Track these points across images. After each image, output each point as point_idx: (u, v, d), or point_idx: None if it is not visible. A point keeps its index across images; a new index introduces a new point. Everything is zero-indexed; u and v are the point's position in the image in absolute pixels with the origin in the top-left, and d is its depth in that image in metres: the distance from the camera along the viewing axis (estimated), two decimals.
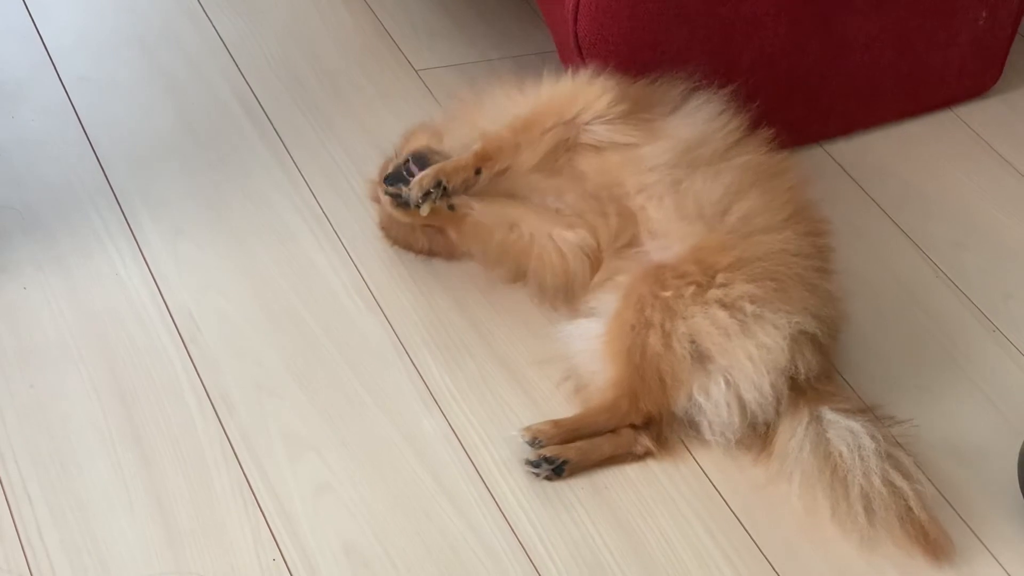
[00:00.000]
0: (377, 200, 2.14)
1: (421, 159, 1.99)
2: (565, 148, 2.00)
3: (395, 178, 1.98)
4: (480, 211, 1.98)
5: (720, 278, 1.86)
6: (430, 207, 1.95)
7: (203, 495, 1.76)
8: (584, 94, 2.00)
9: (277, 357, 1.95)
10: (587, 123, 1.99)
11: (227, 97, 2.36)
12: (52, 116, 2.28)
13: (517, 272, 2.04)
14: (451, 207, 1.98)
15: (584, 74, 2.03)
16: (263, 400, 1.89)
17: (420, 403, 1.91)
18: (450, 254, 2.09)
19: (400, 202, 1.97)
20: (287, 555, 1.71)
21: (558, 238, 1.97)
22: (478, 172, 1.98)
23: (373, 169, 2.13)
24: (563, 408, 1.91)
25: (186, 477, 1.78)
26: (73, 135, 2.25)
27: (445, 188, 1.95)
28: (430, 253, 2.10)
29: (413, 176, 1.96)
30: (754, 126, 2.03)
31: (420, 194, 1.94)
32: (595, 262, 1.98)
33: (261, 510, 1.75)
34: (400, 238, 2.10)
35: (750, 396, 1.84)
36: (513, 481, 1.83)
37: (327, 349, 1.97)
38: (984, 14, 2.42)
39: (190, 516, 1.74)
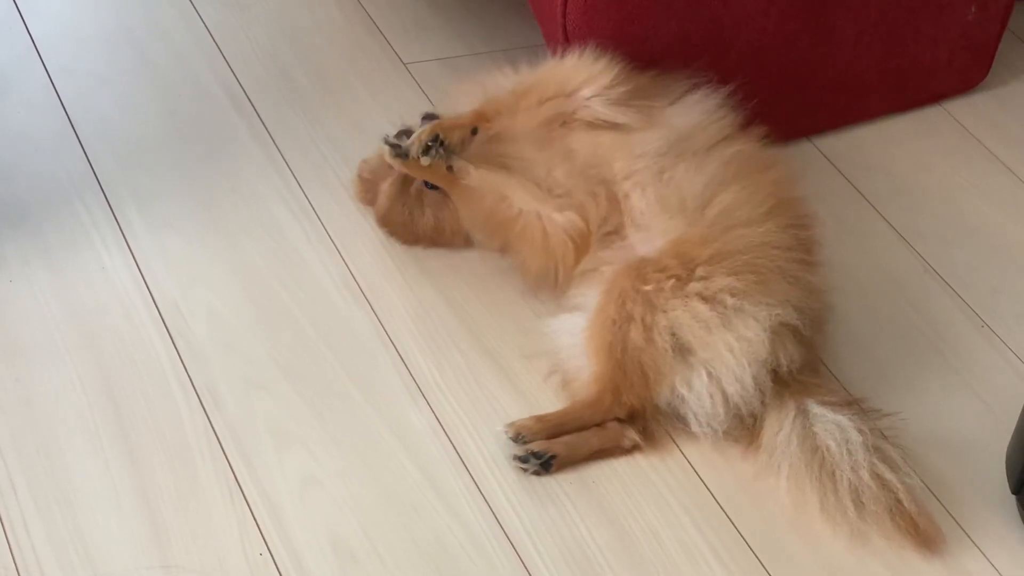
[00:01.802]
0: (366, 202, 2.13)
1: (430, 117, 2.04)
2: (560, 121, 2.00)
3: (397, 136, 2.02)
4: (476, 176, 1.98)
5: (700, 271, 1.86)
6: (431, 160, 1.97)
7: (190, 489, 1.76)
8: (588, 70, 2.02)
9: (264, 351, 1.94)
10: (587, 98, 1.99)
11: (215, 90, 2.36)
12: (38, 108, 2.27)
13: (504, 244, 2.03)
14: (449, 168, 1.98)
15: (590, 53, 2.04)
16: (250, 394, 1.88)
17: (408, 397, 1.91)
18: (454, 235, 2.08)
19: (399, 152, 1.98)
20: (274, 549, 1.71)
21: (545, 218, 1.97)
22: (474, 132, 1.99)
23: (362, 164, 2.14)
24: (550, 402, 1.91)
25: (173, 471, 1.77)
26: (59, 127, 2.24)
27: (443, 143, 1.96)
28: (433, 236, 2.08)
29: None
30: (748, 123, 2.04)
31: (420, 149, 1.96)
32: (581, 247, 1.97)
33: (248, 504, 1.75)
34: (403, 224, 2.08)
35: (732, 388, 1.84)
36: (501, 475, 1.83)
37: (315, 343, 1.96)
38: (973, 9, 2.42)
39: (177, 511, 1.73)
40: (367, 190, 2.14)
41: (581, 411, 1.87)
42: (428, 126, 1.98)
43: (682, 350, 1.85)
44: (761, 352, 1.84)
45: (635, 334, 1.85)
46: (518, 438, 1.83)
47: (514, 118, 2.01)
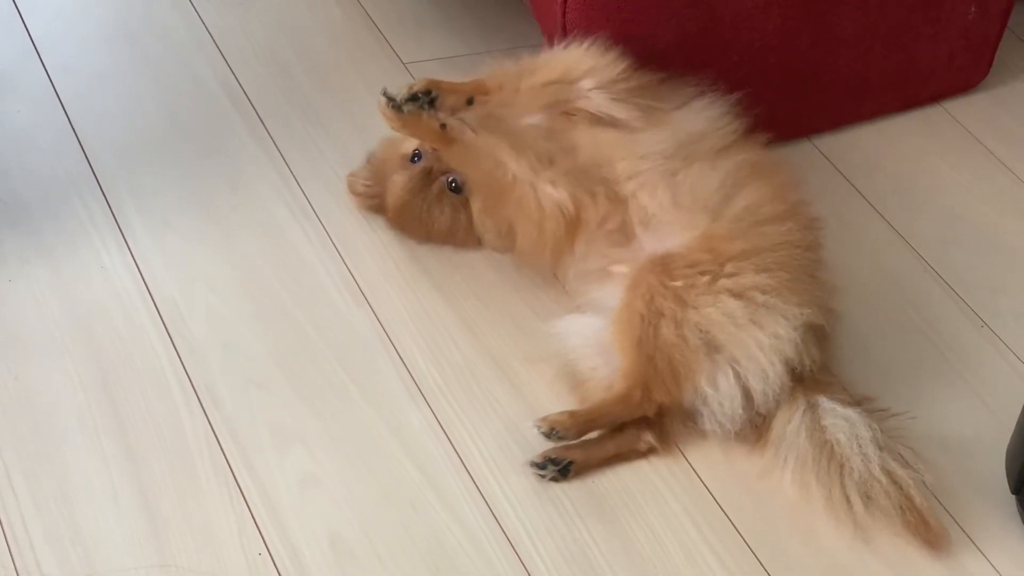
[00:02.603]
0: (370, 209, 2.12)
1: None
2: (561, 111, 1.99)
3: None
4: (473, 138, 1.96)
5: (729, 267, 1.85)
6: (413, 108, 1.95)
7: (188, 487, 1.75)
8: (594, 61, 2.01)
9: (264, 349, 1.94)
10: (589, 89, 1.98)
11: (214, 88, 2.35)
12: (37, 106, 2.27)
13: (504, 222, 2.01)
14: (443, 125, 1.96)
15: (599, 44, 2.03)
16: (249, 392, 1.88)
17: (407, 397, 1.91)
18: (466, 236, 2.06)
19: (395, 104, 1.96)
20: (273, 548, 1.70)
21: (540, 191, 1.95)
22: (470, 102, 1.98)
23: (361, 162, 2.13)
24: (551, 401, 1.91)
25: (171, 469, 1.77)
26: (59, 125, 2.23)
27: (433, 99, 1.95)
28: (444, 235, 2.07)
29: None
30: (752, 128, 2.03)
31: (408, 94, 1.95)
32: (571, 227, 1.95)
33: (247, 502, 1.75)
34: (417, 219, 2.06)
35: (758, 386, 1.82)
36: (500, 475, 1.82)
37: (314, 342, 1.96)
38: (973, 8, 2.42)
39: (175, 508, 1.73)
40: (363, 202, 2.12)
41: (611, 407, 1.85)
42: (423, 79, 1.98)
43: (711, 347, 1.84)
44: (789, 351, 1.83)
45: (666, 330, 1.83)
46: (552, 433, 1.81)
47: (514, 96, 1.99)
